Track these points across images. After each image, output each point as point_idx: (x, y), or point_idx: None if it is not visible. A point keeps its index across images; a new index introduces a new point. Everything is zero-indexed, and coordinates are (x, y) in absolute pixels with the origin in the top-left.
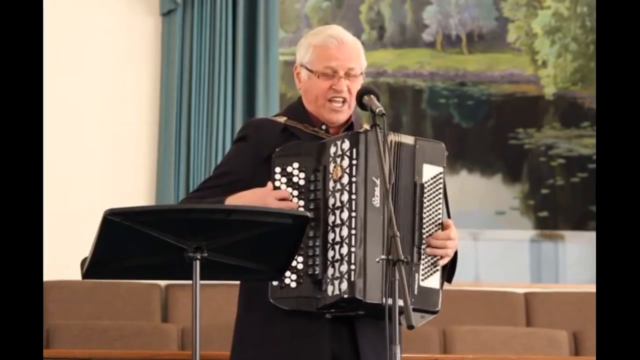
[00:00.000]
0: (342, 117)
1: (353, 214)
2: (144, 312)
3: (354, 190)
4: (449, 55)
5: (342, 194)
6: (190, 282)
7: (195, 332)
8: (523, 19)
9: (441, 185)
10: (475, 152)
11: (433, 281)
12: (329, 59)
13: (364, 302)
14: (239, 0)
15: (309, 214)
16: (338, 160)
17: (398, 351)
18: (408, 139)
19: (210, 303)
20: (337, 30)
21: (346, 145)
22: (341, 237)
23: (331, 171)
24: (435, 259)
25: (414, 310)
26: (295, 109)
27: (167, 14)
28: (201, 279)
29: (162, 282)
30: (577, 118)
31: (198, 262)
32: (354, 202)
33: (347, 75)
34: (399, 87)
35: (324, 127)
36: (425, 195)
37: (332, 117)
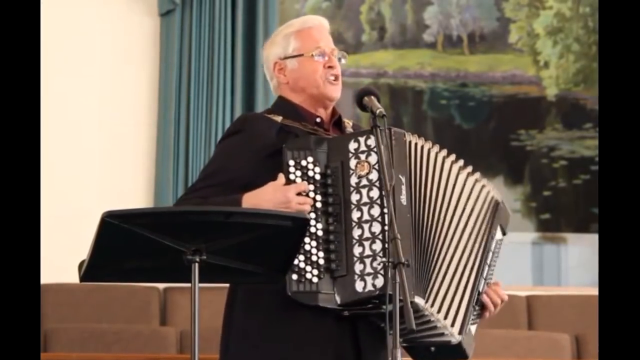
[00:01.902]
0: (338, 93)
1: (385, 210)
2: (142, 315)
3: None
4: (450, 56)
5: (370, 189)
6: (189, 284)
7: (194, 335)
8: (525, 20)
9: (500, 251)
10: (477, 153)
11: (474, 329)
12: (316, 40)
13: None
14: (238, 0)
15: (308, 216)
16: (362, 156)
17: (399, 355)
18: (498, 195)
19: (209, 306)
20: (310, 15)
21: (372, 141)
22: (372, 233)
23: (353, 167)
24: (480, 311)
25: (458, 346)
26: (285, 106)
27: (165, 14)
28: (200, 281)
29: (161, 285)
30: (579, 119)
31: (197, 264)
32: (385, 199)
33: (332, 54)
34: (400, 88)
35: (318, 119)
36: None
37: (332, 92)
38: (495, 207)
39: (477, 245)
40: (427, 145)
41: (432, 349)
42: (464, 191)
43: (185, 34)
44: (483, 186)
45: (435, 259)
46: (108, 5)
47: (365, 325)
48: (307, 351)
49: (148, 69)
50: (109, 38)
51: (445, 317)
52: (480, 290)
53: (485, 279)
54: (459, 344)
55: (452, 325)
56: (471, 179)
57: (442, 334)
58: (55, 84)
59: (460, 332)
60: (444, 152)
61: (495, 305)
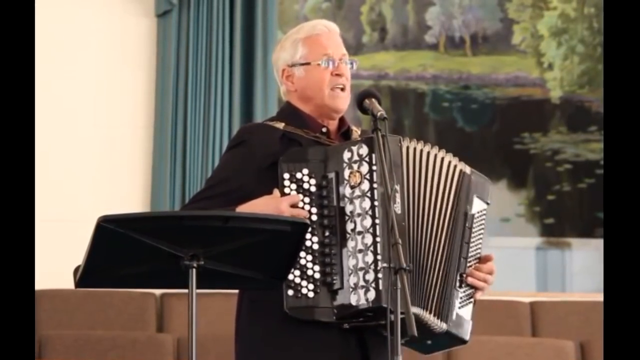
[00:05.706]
0: (345, 105)
1: (377, 222)
2: (138, 322)
3: (376, 197)
4: (453, 57)
5: (362, 200)
6: (186, 290)
7: (191, 342)
8: (528, 20)
9: (484, 221)
10: (480, 157)
11: (466, 312)
12: (324, 47)
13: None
14: (237, 0)
15: (307, 221)
16: (355, 166)
17: None
18: (466, 168)
19: (207, 312)
20: (320, 20)
21: (364, 150)
22: (364, 244)
23: (346, 177)
24: (471, 290)
25: (448, 334)
26: (290, 113)
27: (162, 15)
28: (197, 287)
29: (157, 291)
30: (584, 122)
31: (194, 270)
32: (377, 209)
33: (341, 61)
34: (401, 90)
35: (324, 129)
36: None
37: (338, 104)
38: (461, 179)
39: (447, 225)
40: (426, 148)
41: (429, 342)
42: (448, 180)
43: (182, 35)
44: (450, 162)
45: (428, 264)
46: (104, 6)
47: (371, 334)
48: None
49: (145, 71)
50: (105, 39)
51: (434, 313)
52: (462, 271)
53: (465, 259)
54: (447, 332)
55: (437, 316)
56: (445, 162)
57: (432, 328)
58: (50, 86)
59: (444, 320)
60: (443, 152)
61: (486, 281)
